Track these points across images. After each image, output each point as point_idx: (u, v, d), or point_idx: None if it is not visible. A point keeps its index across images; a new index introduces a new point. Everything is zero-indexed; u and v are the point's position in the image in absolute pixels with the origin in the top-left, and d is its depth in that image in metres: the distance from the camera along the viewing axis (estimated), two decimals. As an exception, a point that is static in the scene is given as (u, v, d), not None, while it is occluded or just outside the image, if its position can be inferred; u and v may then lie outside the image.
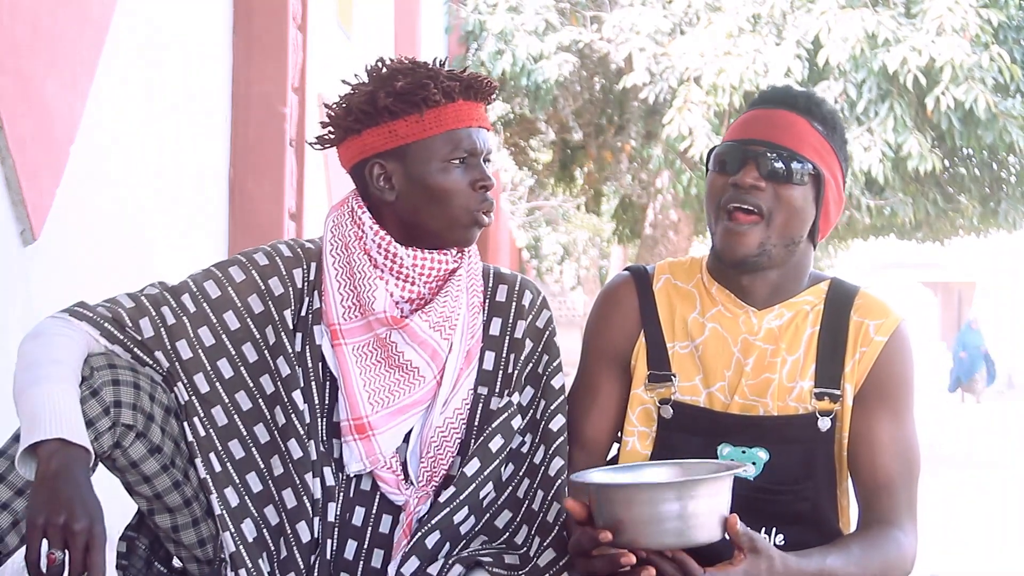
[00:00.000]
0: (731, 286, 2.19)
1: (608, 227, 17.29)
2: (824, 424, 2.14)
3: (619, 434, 2.29)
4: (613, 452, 2.32)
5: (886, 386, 2.16)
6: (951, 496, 8.49)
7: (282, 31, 5.09)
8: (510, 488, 2.19)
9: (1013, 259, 26.45)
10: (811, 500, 2.15)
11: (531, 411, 2.22)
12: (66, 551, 1.76)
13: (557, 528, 2.13)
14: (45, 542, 1.77)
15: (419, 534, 2.09)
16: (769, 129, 2.13)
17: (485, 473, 2.15)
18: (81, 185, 3.36)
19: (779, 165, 2.10)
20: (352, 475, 2.14)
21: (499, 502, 2.18)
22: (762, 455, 2.14)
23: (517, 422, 2.19)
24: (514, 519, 2.18)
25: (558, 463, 2.17)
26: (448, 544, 2.11)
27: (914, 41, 8.98)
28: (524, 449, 2.21)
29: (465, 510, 2.13)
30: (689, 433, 2.17)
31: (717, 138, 9.16)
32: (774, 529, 2.14)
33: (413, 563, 2.08)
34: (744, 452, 2.15)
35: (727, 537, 1.88)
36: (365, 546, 2.13)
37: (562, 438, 2.19)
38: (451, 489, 2.12)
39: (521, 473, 2.20)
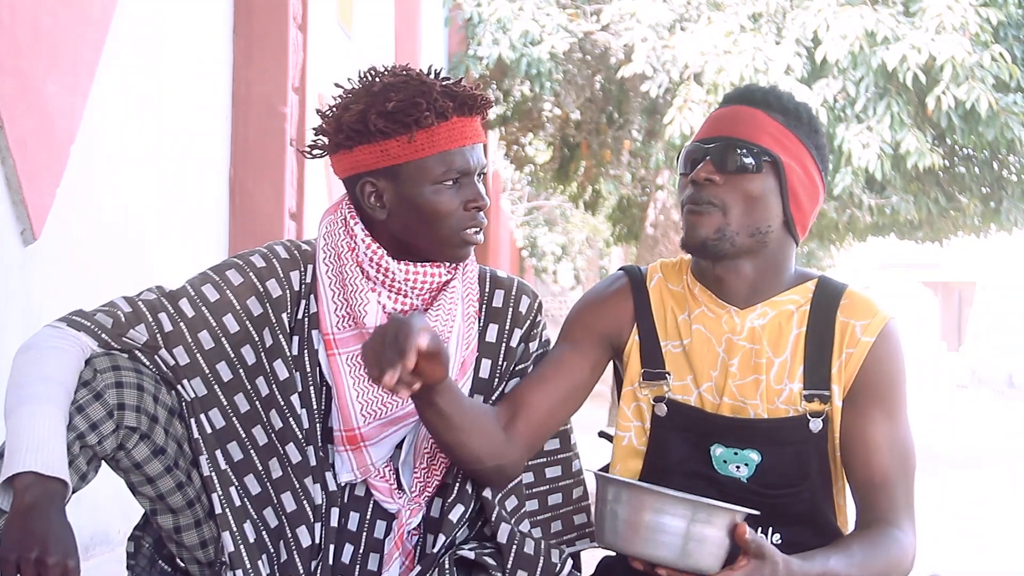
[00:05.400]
0: (710, 284, 2.18)
1: (606, 227, 17.27)
2: (816, 426, 2.14)
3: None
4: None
5: (877, 386, 2.15)
6: (951, 496, 8.49)
7: (282, 31, 5.10)
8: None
9: (1013, 259, 26.43)
10: (808, 500, 2.14)
11: None
12: None
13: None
14: None
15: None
16: (726, 125, 2.14)
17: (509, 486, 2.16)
18: (81, 185, 3.36)
19: (732, 157, 2.11)
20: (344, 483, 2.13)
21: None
22: (754, 456, 2.14)
23: None
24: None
25: None
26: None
27: (913, 39, 8.98)
28: None
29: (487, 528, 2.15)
30: (682, 432, 2.17)
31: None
32: (771, 528, 2.13)
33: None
34: (736, 453, 2.14)
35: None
36: (361, 550, 2.13)
37: None
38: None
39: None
